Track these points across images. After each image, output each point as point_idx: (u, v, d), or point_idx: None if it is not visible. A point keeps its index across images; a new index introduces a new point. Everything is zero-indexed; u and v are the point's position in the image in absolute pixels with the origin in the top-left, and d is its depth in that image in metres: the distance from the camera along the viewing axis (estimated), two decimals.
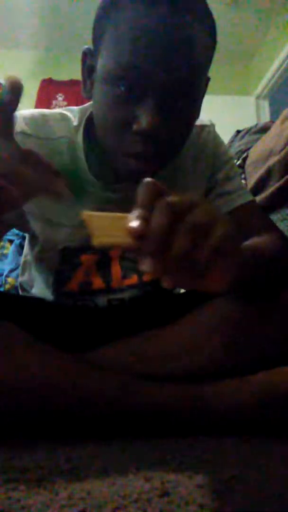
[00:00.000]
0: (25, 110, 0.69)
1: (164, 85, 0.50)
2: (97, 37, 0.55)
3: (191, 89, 0.53)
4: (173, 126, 0.53)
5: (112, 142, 0.56)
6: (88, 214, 0.33)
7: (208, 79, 0.61)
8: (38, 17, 3.18)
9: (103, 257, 0.70)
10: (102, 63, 0.54)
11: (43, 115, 0.68)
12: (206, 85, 0.61)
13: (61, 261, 0.69)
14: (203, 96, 0.61)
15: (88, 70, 0.59)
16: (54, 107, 3.43)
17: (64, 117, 0.69)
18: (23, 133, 0.65)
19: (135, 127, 0.52)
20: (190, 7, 0.50)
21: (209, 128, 0.73)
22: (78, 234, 0.67)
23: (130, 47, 0.50)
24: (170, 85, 0.50)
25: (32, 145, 0.65)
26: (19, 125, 0.65)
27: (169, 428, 0.51)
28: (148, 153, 0.54)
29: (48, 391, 0.49)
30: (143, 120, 0.51)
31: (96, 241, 0.33)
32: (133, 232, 0.33)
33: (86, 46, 0.59)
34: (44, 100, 3.52)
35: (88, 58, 0.59)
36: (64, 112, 0.70)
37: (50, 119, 0.68)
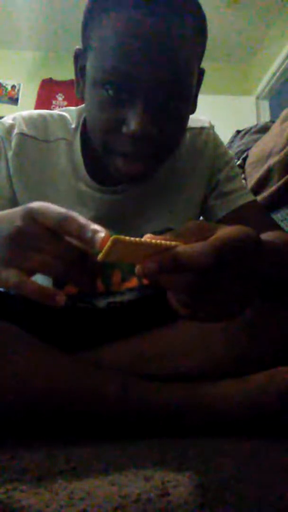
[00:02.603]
0: (25, 112, 0.69)
1: (152, 87, 0.50)
2: (84, 39, 0.56)
3: (179, 89, 0.53)
4: (163, 127, 0.53)
5: (104, 143, 0.57)
6: (115, 239, 0.31)
7: (202, 72, 0.61)
8: (38, 17, 3.18)
9: None
10: (90, 66, 0.55)
11: (42, 117, 0.68)
12: (201, 78, 0.61)
13: None
14: (197, 91, 0.61)
15: (80, 70, 0.59)
16: (54, 107, 3.43)
17: (62, 119, 0.69)
18: (22, 134, 0.65)
19: (124, 129, 0.52)
20: (175, 7, 0.49)
21: (208, 130, 0.73)
22: None
23: (115, 51, 0.50)
24: (157, 86, 0.50)
25: (31, 147, 0.66)
26: (18, 126, 0.66)
27: (169, 428, 0.51)
28: (138, 154, 0.55)
29: (48, 391, 0.49)
30: (132, 122, 0.51)
31: (102, 258, 0.33)
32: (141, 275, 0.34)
33: (77, 47, 0.59)
34: (44, 100, 3.52)
35: (80, 59, 0.59)
36: (63, 113, 0.70)
37: (48, 120, 0.68)
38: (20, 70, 3.64)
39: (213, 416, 0.51)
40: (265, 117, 3.46)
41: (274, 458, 0.44)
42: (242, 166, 1.34)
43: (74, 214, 0.36)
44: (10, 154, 0.65)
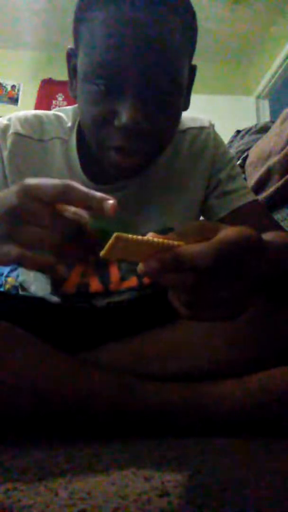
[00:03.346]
0: (20, 112, 0.70)
1: (141, 80, 0.51)
2: (75, 37, 0.56)
3: (169, 82, 0.53)
4: (154, 119, 0.54)
5: (96, 138, 0.57)
6: (118, 235, 0.31)
7: (194, 68, 0.61)
8: (38, 17, 3.18)
9: (100, 258, 0.69)
10: (80, 62, 0.56)
11: (37, 117, 0.68)
12: (193, 75, 0.61)
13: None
14: (189, 88, 0.62)
15: (73, 70, 0.60)
16: (54, 107, 3.42)
17: (58, 118, 0.69)
18: (17, 134, 0.66)
19: (116, 122, 0.53)
20: (162, 2, 0.50)
21: (208, 129, 0.73)
22: None
23: (104, 45, 0.50)
24: (147, 79, 0.51)
25: (26, 146, 0.66)
26: (14, 126, 0.66)
27: (169, 428, 0.51)
28: (130, 147, 0.55)
29: (48, 391, 0.49)
30: (123, 115, 0.51)
31: (104, 255, 0.33)
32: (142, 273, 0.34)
33: (69, 47, 0.59)
34: (44, 100, 3.52)
35: (72, 58, 0.60)
36: (58, 113, 0.70)
37: (44, 120, 0.68)
38: (20, 70, 3.64)
39: (213, 416, 0.51)
40: (265, 117, 3.46)
41: (274, 458, 0.44)
42: (242, 166, 1.34)
43: (72, 182, 0.37)
44: (5, 154, 0.65)
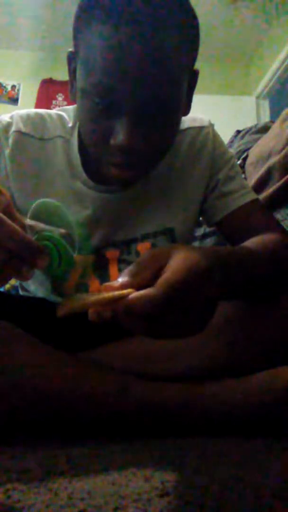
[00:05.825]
0: (22, 110, 0.69)
1: (138, 101, 0.51)
2: (75, 44, 0.56)
3: (166, 103, 0.53)
4: (151, 138, 0.54)
5: (94, 151, 0.58)
6: (66, 303, 0.35)
7: (196, 73, 0.61)
8: (38, 17, 3.18)
9: (100, 259, 0.70)
10: (78, 74, 0.55)
11: (40, 115, 0.68)
12: (195, 79, 0.61)
13: None
14: (191, 93, 0.61)
15: (74, 72, 0.59)
16: (54, 107, 3.43)
17: (59, 117, 0.69)
18: (19, 132, 0.65)
19: (112, 141, 0.53)
20: (160, 20, 0.49)
21: (207, 129, 0.73)
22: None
23: (100, 67, 0.50)
24: (144, 100, 0.51)
25: (28, 145, 0.66)
26: (16, 124, 0.66)
27: (169, 428, 0.51)
28: (128, 164, 0.56)
29: (48, 391, 0.49)
30: (119, 135, 0.52)
31: (59, 315, 0.36)
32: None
33: (70, 50, 0.59)
34: (44, 100, 3.52)
35: (72, 62, 0.59)
36: (60, 112, 0.70)
37: (46, 119, 0.68)
38: (20, 70, 3.64)
39: (213, 416, 0.51)
40: (265, 117, 3.46)
41: (274, 458, 0.44)
42: (242, 166, 1.33)
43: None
44: (7, 152, 0.65)
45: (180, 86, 0.54)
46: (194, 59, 0.58)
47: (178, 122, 0.59)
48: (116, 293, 0.35)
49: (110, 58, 0.49)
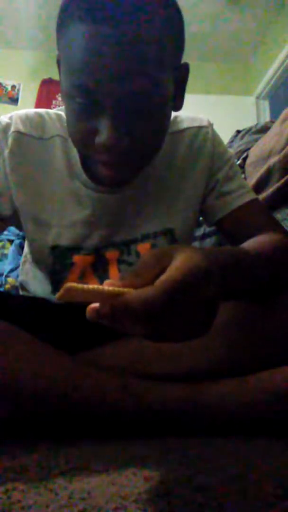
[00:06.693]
0: (21, 110, 0.70)
1: (119, 99, 0.50)
2: (58, 49, 0.56)
3: (148, 98, 0.52)
4: (136, 134, 0.54)
5: (83, 150, 0.59)
6: (69, 287, 0.33)
7: (186, 67, 0.60)
8: (38, 17, 3.18)
9: (99, 259, 0.70)
10: (62, 78, 0.56)
11: (39, 115, 0.69)
12: (185, 74, 0.60)
13: (53, 261, 0.69)
14: (182, 88, 0.61)
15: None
16: (54, 107, 3.42)
17: (58, 117, 0.69)
18: (18, 132, 0.66)
19: (96, 139, 0.53)
20: (139, 16, 0.48)
21: (206, 129, 0.72)
22: (67, 234, 0.67)
23: (78, 68, 0.50)
24: (125, 98, 0.51)
25: (27, 145, 0.66)
26: (15, 125, 0.66)
27: (169, 428, 0.51)
28: (115, 162, 0.56)
29: (48, 391, 0.49)
30: (103, 134, 0.52)
31: (58, 298, 0.35)
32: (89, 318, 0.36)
33: (58, 53, 0.59)
34: (44, 100, 3.52)
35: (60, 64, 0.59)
36: (59, 112, 0.70)
37: (45, 118, 0.69)
38: (20, 70, 3.65)
39: (213, 416, 0.51)
40: (265, 117, 3.46)
41: (274, 458, 0.44)
42: (242, 166, 1.34)
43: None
44: (6, 152, 0.65)
45: (161, 81, 0.53)
46: (179, 53, 0.57)
47: (165, 117, 0.58)
48: (116, 288, 0.35)
49: (87, 57, 0.49)
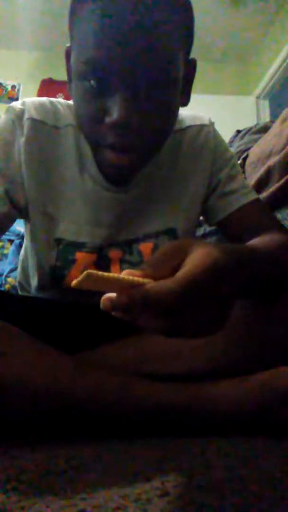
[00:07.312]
0: (33, 97, 0.69)
1: (132, 76, 0.50)
2: (70, 33, 0.56)
3: (160, 77, 0.52)
4: (147, 115, 0.53)
5: (90, 135, 0.57)
6: (88, 273, 0.32)
7: (194, 63, 0.60)
8: (38, 17, 3.18)
9: (102, 258, 0.69)
10: (73, 59, 0.56)
11: (51, 103, 0.68)
12: (193, 70, 0.61)
13: (56, 256, 0.68)
14: (189, 84, 0.61)
15: (71, 69, 0.59)
16: None
17: (70, 107, 0.69)
18: (32, 119, 0.64)
19: (107, 119, 0.52)
20: None
21: (208, 128, 0.72)
22: (72, 229, 0.67)
23: (91, 43, 0.50)
24: (136, 75, 0.50)
25: (42, 132, 0.65)
26: (28, 111, 0.65)
27: (169, 428, 0.51)
28: (123, 144, 0.54)
29: (48, 391, 0.49)
30: (114, 112, 0.51)
31: (75, 285, 0.34)
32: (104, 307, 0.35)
33: (67, 45, 0.59)
34: None
35: (70, 56, 0.59)
36: (69, 102, 0.69)
37: (58, 106, 0.68)
38: (20, 70, 3.64)
39: (213, 416, 0.51)
40: (265, 117, 3.46)
41: (274, 458, 0.44)
42: (242, 166, 1.33)
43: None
44: (22, 140, 0.64)
45: (175, 63, 0.54)
46: (190, 40, 0.57)
47: (175, 101, 0.58)
48: (136, 278, 0.34)
49: (100, 33, 0.49)
